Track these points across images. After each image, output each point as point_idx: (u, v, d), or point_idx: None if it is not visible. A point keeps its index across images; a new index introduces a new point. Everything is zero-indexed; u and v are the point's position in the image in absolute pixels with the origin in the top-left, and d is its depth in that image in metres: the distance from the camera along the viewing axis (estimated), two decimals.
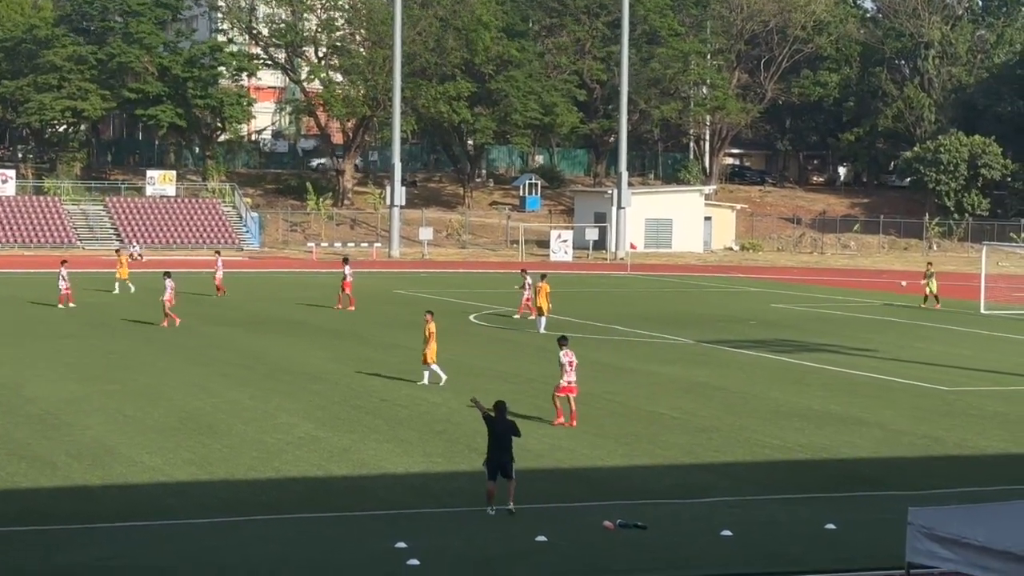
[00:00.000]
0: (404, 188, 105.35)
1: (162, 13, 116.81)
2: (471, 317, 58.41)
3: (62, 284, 58.95)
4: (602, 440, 31.32)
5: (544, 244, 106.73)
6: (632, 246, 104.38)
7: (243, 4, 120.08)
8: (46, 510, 24.38)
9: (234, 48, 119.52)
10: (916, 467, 29.46)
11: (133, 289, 65.63)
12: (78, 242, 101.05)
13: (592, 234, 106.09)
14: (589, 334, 52.60)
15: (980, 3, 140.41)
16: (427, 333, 38.30)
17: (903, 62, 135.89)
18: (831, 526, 23.84)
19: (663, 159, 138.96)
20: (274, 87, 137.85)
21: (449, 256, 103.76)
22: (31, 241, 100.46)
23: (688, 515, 24.76)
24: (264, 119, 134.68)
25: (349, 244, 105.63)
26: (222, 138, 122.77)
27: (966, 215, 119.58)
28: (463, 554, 21.78)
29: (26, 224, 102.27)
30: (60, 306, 58.39)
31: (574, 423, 32.64)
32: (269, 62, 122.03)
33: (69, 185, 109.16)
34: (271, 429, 31.78)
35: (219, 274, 65.78)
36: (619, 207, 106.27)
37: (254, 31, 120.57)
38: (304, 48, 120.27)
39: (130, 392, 36.58)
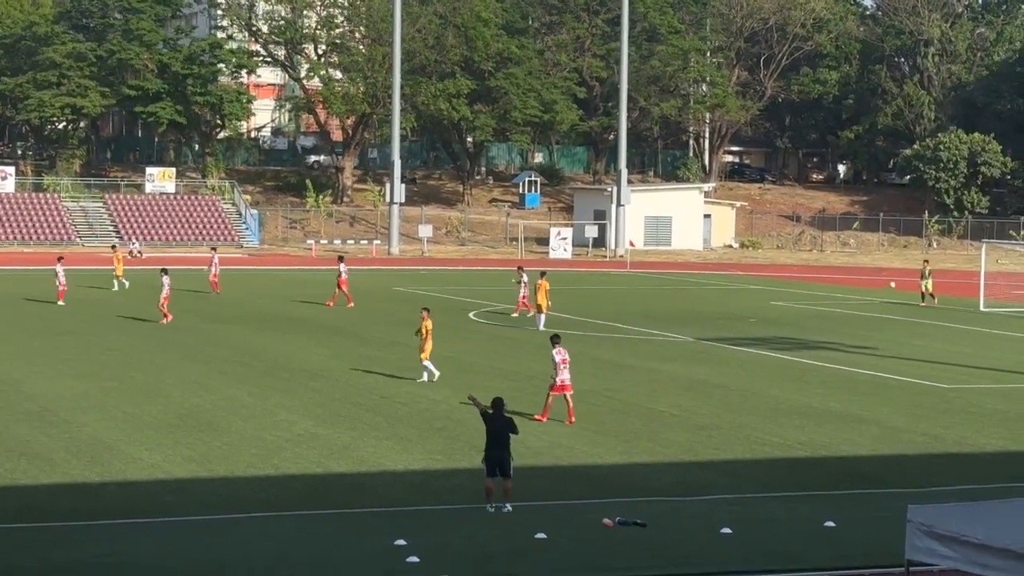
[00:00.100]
0: (404, 185, 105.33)
1: (162, 10, 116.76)
2: (470, 314, 58.41)
3: (59, 280, 58.89)
4: (602, 437, 31.31)
5: (544, 242, 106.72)
6: (631, 244, 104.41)
7: (243, 1, 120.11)
8: (45, 507, 24.36)
9: (234, 45, 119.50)
10: (915, 465, 29.46)
11: (127, 285, 65.57)
12: (77, 239, 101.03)
13: (592, 231, 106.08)
14: (589, 332, 52.60)
15: (980, 1, 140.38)
16: (424, 330, 38.29)
17: (903, 60, 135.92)
18: (830, 524, 23.82)
19: (663, 157, 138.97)
20: (274, 84, 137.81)
21: (448, 253, 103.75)
22: (30, 238, 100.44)
23: (688, 513, 24.75)
24: (264, 116, 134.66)
25: (349, 241, 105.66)
26: (222, 135, 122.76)
27: (966, 213, 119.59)
28: (463, 551, 21.76)
29: (25, 221, 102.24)
30: (60, 302, 58.38)
31: (572, 420, 32.62)
32: (269, 59, 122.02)
33: (68, 182, 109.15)
34: (270, 426, 31.77)
35: (215, 271, 65.72)
36: (619, 205, 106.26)
37: (254, 28, 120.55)
38: (304, 45, 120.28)
39: (129, 389, 36.57)
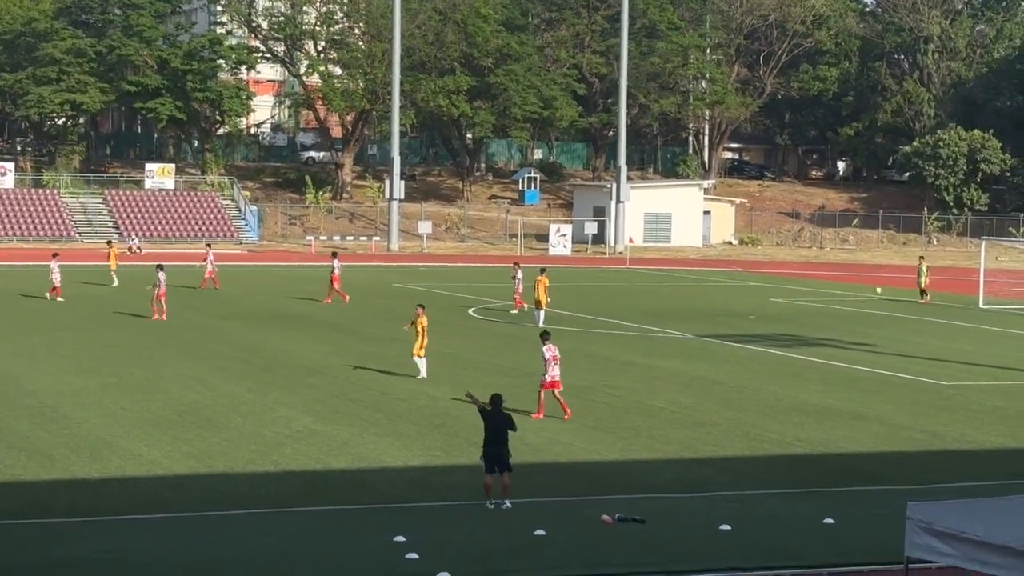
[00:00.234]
0: (403, 182, 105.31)
1: (161, 6, 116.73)
2: (470, 311, 58.42)
3: (55, 277, 58.89)
4: (601, 434, 31.32)
5: (543, 238, 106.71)
6: (631, 240, 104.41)
7: None
8: (44, 503, 24.37)
9: (233, 41, 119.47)
10: (915, 462, 29.47)
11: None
12: (77, 235, 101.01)
13: (591, 228, 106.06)
14: (588, 328, 52.61)
15: None
16: (419, 327, 38.28)
17: (902, 57, 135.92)
18: (830, 520, 23.83)
19: (662, 153, 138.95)
20: (273, 80, 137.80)
21: (448, 250, 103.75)
22: (30, 234, 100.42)
23: (687, 509, 24.76)
24: (263, 112, 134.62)
25: (348, 237, 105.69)
26: (221, 131, 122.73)
27: (965, 210, 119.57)
28: (462, 548, 21.76)
29: (25, 217, 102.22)
30: (59, 299, 58.40)
31: (568, 414, 32.63)
32: (268, 55, 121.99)
33: (68, 178, 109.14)
34: (270, 422, 31.78)
35: (210, 267, 65.66)
36: (618, 201, 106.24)
37: (253, 24, 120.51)
38: (303, 41, 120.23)
39: (128, 385, 36.57)
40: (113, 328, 49.73)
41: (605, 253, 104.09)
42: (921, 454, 30.25)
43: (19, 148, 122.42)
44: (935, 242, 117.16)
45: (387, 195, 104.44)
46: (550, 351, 33.16)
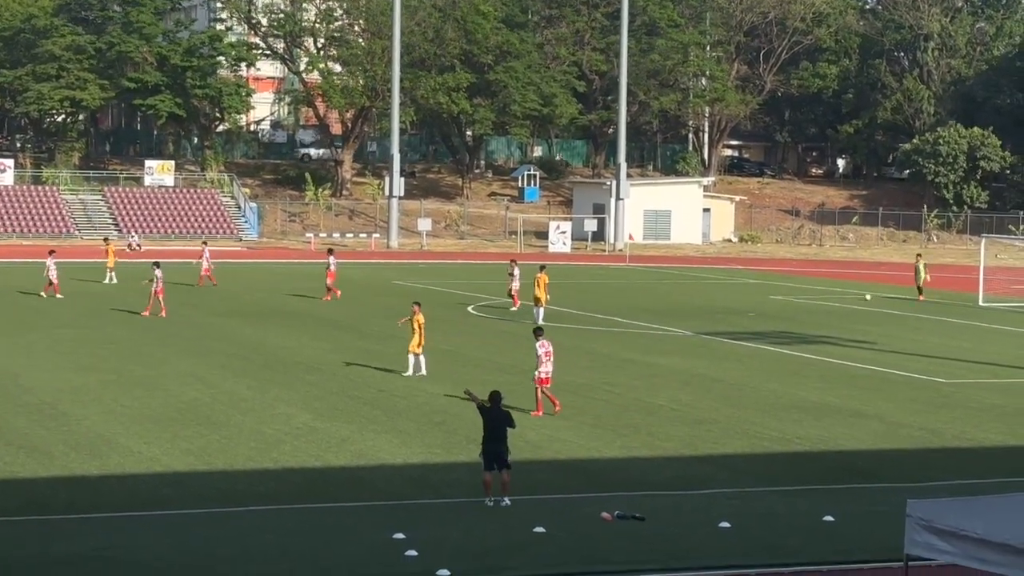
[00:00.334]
0: (403, 179, 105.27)
1: (161, 3, 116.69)
2: (469, 308, 58.41)
3: (52, 273, 58.92)
4: (600, 431, 31.32)
5: (543, 235, 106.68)
6: (631, 237, 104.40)
7: None
8: (44, 500, 24.37)
9: (233, 38, 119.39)
10: (914, 459, 29.47)
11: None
12: (76, 232, 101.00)
13: (591, 225, 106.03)
14: (587, 325, 52.61)
15: None
16: (415, 324, 38.25)
17: (902, 54, 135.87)
18: (829, 518, 23.84)
19: (662, 150, 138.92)
20: (273, 77, 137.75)
21: (448, 247, 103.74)
22: (29, 231, 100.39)
23: (686, 507, 24.76)
24: (263, 109, 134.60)
25: (348, 235, 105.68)
26: (221, 128, 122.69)
27: (965, 207, 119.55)
28: (461, 545, 21.76)
29: (24, 214, 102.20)
30: (58, 295, 58.41)
31: (557, 407, 32.59)
32: (268, 52, 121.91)
33: (67, 175, 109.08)
34: (269, 420, 31.77)
35: (206, 264, 65.58)
36: (618, 198, 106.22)
37: (253, 21, 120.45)
38: (303, 38, 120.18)
39: (127, 382, 36.56)
40: (112, 325, 49.72)
41: (605, 250, 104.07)
42: (920, 452, 30.25)
43: (19, 145, 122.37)
44: (935, 239, 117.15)
45: (387, 192, 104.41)
46: (543, 347, 33.22)
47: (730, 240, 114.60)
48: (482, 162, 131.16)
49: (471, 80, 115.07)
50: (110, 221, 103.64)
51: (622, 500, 24.75)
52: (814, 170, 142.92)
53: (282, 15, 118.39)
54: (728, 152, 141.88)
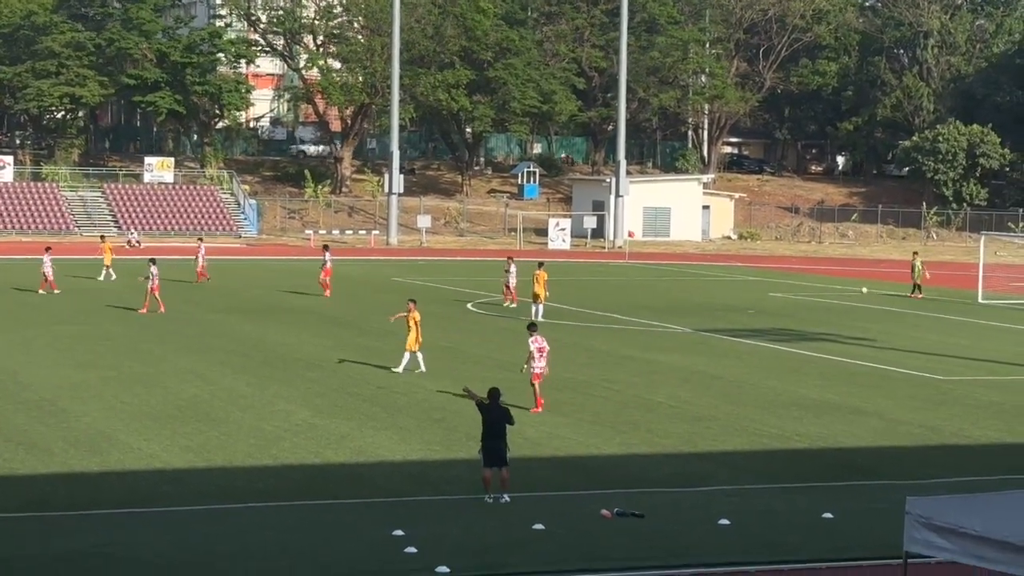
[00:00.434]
0: (402, 176, 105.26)
1: (161, 0, 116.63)
2: (468, 305, 58.41)
3: (48, 270, 59.01)
4: (599, 428, 31.33)
5: (542, 232, 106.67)
6: (630, 234, 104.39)
7: None
8: (43, 497, 24.37)
9: (232, 35, 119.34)
10: (913, 457, 29.49)
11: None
12: (76, 228, 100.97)
13: (590, 222, 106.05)
14: (587, 322, 52.62)
15: None
16: (411, 321, 38.23)
17: (902, 51, 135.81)
18: (828, 515, 23.85)
19: (661, 148, 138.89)
20: (272, 74, 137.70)
21: (447, 244, 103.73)
22: (29, 227, 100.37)
23: (686, 504, 24.77)
24: (262, 106, 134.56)
25: (347, 231, 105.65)
26: (220, 125, 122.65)
27: (964, 205, 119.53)
28: (461, 542, 21.78)
29: (24, 210, 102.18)
30: (55, 291, 58.45)
31: (538, 408, 32.51)
32: (267, 49, 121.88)
33: (67, 171, 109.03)
34: (268, 416, 31.78)
35: (201, 261, 65.54)
36: (617, 195, 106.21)
37: (252, 18, 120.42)
38: (302, 35, 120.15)
39: (127, 379, 36.57)
40: (110, 322, 49.73)
41: (604, 247, 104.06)
42: (919, 449, 30.28)
43: (18, 142, 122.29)
44: (934, 237, 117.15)
45: (386, 189, 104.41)
46: (535, 343, 33.25)
47: (729, 237, 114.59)
48: (482, 159, 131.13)
49: (471, 77, 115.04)
50: (110, 218, 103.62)
51: (621, 497, 24.76)
52: (813, 167, 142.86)
53: (281, 12, 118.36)
54: (728, 149, 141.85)
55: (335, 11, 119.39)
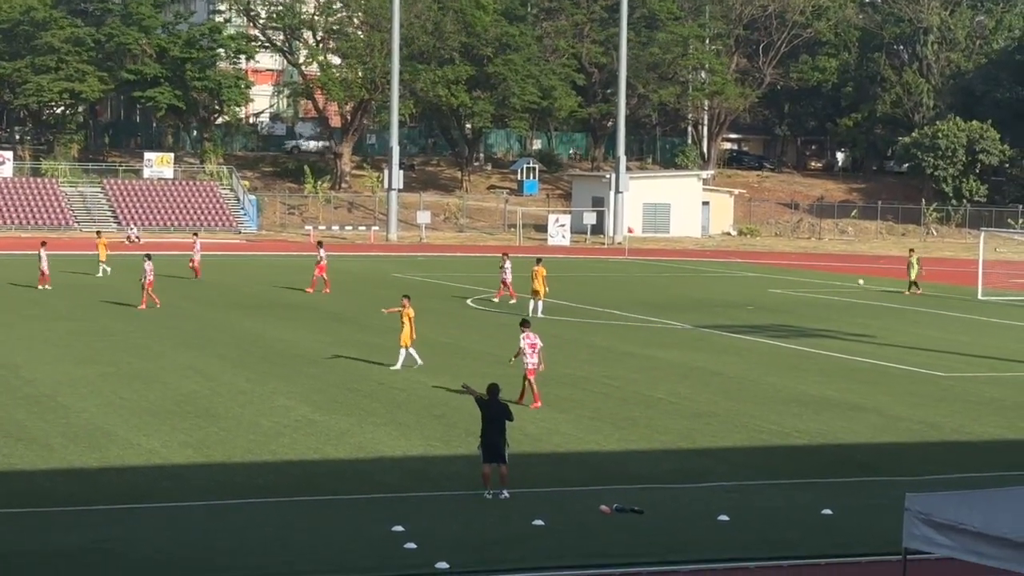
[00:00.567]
0: (402, 171, 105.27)
1: None
2: (468, 301, 58.41)
3: (43, 265, 59.08)
4: (599, 424, 31.33)
5: (542, 228, 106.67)
6: (630, 230, 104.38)
7: None
8: (42, 492, 24.37)
9: (232, 30, 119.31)
10: (913, 453, 29.48)
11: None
12: (75, 224, 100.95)
13: (590, 218, 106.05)
14: (586, 318, 52.62)
15: None
16: (405, 317, 38.22)
17: (902, 47, 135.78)
18: (828, 511, 23.85)
19: (661, 144, 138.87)
20: (272, 70, 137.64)
21: (447, 240, 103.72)
22: (28, 223, 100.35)
23: (685, 500, 24.77)
24: (262, 102, 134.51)
25: (347, 227, 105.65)
26: (220, 121, 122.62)
27: (964, 201, 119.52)
28: (460, 538, 21.77)
29: (23, 206, 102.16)
30: (43, 287, 58.48)
31: (521, 401, 32.45)
32: (267, 45, 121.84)
33: (67, 167, 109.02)
34: (268, 412, 31.77)
35: (197, 256, 65.50)
36: (617, 191, 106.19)
37: (252, 13, 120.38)
38: (302, 31, 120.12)
39: (126, 374, 36.56)
40: (111, 317, 49.72)
41: (604, 243, 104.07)
42: (919, 445, 30.27)
43: (18, 137, 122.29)
44: (934, 233, 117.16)
45: (386, 185, 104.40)
46: (527, 339, 33.28)
47: (729, 233, 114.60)
48: (481, 155, 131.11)
49: (470, 73, 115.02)
50: (109, 213, 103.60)
51: (621, 493, 24.75)
52: (813, 163, 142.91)
53: (281, 7, 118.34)
54: (727, 145, 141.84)
55: (335, 7, 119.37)
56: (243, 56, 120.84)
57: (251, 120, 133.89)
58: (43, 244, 61.23)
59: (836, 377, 39.03)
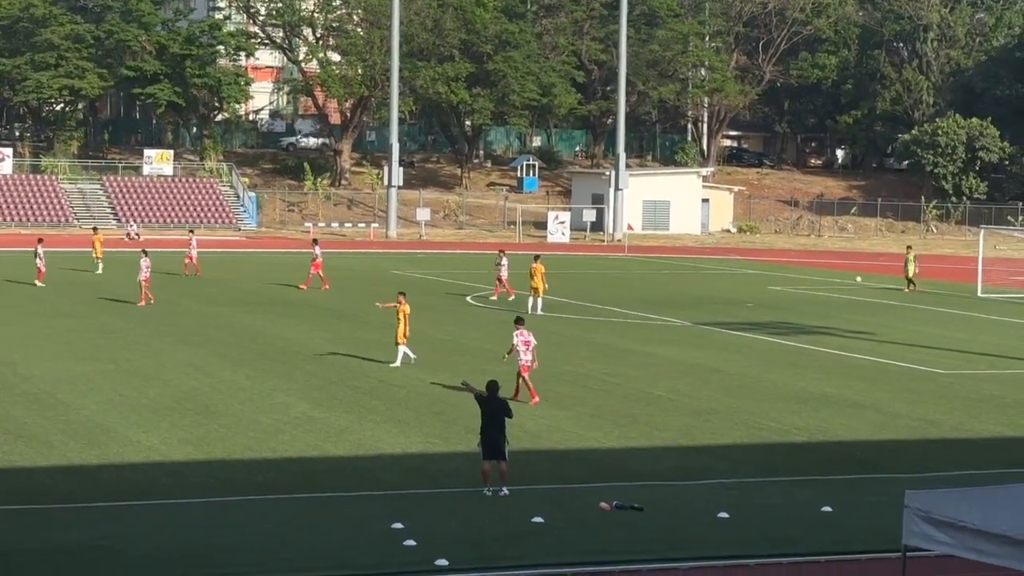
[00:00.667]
0: (402, 169, 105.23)
1: None
2: (467, 298, 58.41)
3: (39, 262, 59.17)
4: (599, 421, 31.32)
5: (541, 225, 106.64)
6: (630, 227, 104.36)
7: None
8: (42, 489, 24.37)
9: (231, 27, 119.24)
10: (913, 450, 29.48)
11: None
12: (75, 221, 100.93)
13: (589, 215, 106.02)
14: (586, 315, 52.61)
15: None
16: (400, 314, 38.21)
17: (902, 45, 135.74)
18: (828, 509, 23.85)
19: (661, 141, 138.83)
20: (272, 67, 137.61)
21: (446, 237, 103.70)
22: (28, 220, 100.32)
23: (685, 497, 24.77)
24: (261, 99, 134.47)
25: (347, 224, 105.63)
26: (219, 118, 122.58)
27: (964, 198, 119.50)
28: (460, 535, 21.77)
29: (23, 203, 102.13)
30: (40, 283, 58.50)
31: (517, 397, 32.41)
32: (267, 42, 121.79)
33: (66, 164, 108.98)
34: (268, 409, 31.77)
35: (193, 253, 65.44)
36: (617, 189, 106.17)
37: (252, 10, 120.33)
38: (301, 28, 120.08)
39: (126, 371, 36.56)
40: (110, 314, 49.70)
41: (603, 240, 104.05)
42: (919, 442, 30.27)
43: (17, 134, 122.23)
44: (933, 230, 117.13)
45: (385, 182, 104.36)
46: (520, 336, 33.30)
47: (729, 230, 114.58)
48: (481, 152, 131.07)
49: (470, 70, 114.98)
50: (109, 210, 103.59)
51: (620, 490, 24.75)
52: (813, 161, 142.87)
53: (280, 4, 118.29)
54: (727, 142, 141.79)
55: (334, 4, 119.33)
56: (243, 53, 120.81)
57: (251, 117, 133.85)
58: (40, 241, 61.29)
59: (835, 374, 39.03)
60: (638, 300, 58.79)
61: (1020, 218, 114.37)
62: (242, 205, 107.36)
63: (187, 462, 26.55)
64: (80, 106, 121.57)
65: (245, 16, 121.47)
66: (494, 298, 57.39)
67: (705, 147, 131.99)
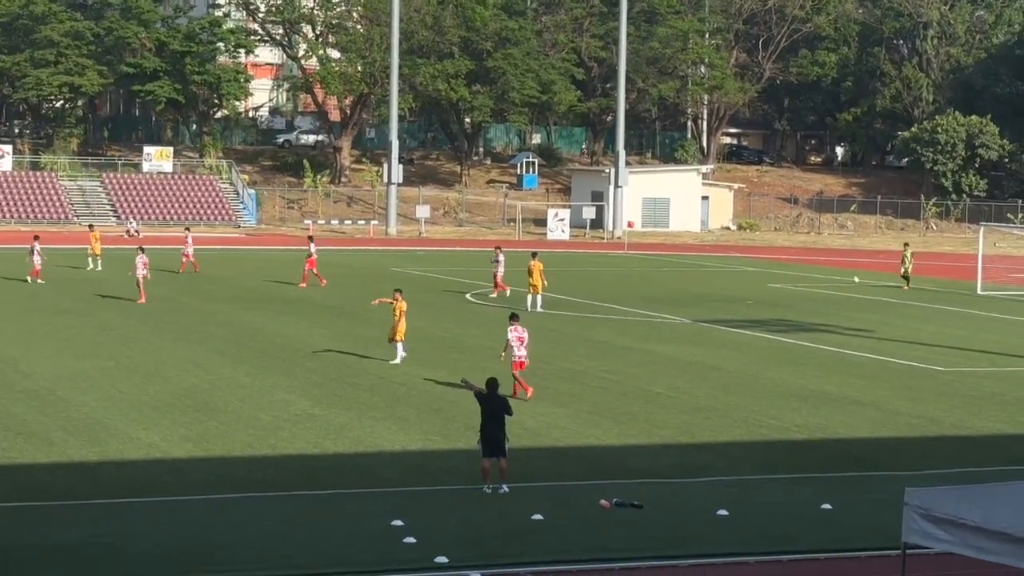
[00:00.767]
0: (401, 166, 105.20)
1: None
2: (467, 295, 58.41)
3: (36, 259, 59.17)
4: (598, 419, 31.33)
5: (541, 223, 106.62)
6: (629, 225, 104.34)
7: None
8: (42, 486, 24.37)
9: (231, 24, 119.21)
10: (912, 448, 29.48)
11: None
12: (75, 218, 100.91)
13: (589, 213, 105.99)
14: (586, 313, 52.61)
15: None
16: (397, 311, 38.20)
17: (902, 42, 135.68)
18: (827, 506, 23.86)
19: (661, 138, 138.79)
20: (271, 64, 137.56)
21: (446, 234, 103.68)
22: (28, 217, 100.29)
23: (685, 494, 24.77)
24: (261, 96, 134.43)
25: (346, 221, 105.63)
26: (219, 115, 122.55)
27: (963, 196, 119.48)
28: (459, 532, 21.78)
29: (23, 200, 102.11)
30: (32, 280, 58.48)
31: (516, 394, 32.40)
32: (266, 39, 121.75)
33: (66, 161, 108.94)
34: (267, 406, 31.77)
35: (189, 251, 65.40)
36: (616, 186, 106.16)
37: (251, 7, 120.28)
38: (301, 25, 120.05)
39: (126, 368, 36.56)
40: (110, 311, 49.71)
41: (603, 238, 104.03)
42: (918, 440, 30.27)
43: (17, 131, 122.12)
44: (933, 228, 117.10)
45: (385, 179, 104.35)
46: (515, 331, 33.33)
47: (728, 228, 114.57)
48: (481, 149, 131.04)
49: (470, 67, 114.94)
50: (108, 207, 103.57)
51: (620, 488, 24.76)
52: (813, 158, 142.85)
53: (280, 1, 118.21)
54: (727, 140, 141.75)
55: (334, 1, 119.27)
56: (242, 50, 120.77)
57: (250, 114, 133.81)
58: (36, 238, 61.34)
59: (835, 371, 39.04)
60: (637, 297, 58.79)
61: (1020, 215, 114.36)
62: (242, 202, 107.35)
63: (187, 459, 26.56)
64: (80, 103, 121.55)
65: (245, 13, 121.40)
66: (494, 295, 57.40)
67: (705, 144, 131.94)
